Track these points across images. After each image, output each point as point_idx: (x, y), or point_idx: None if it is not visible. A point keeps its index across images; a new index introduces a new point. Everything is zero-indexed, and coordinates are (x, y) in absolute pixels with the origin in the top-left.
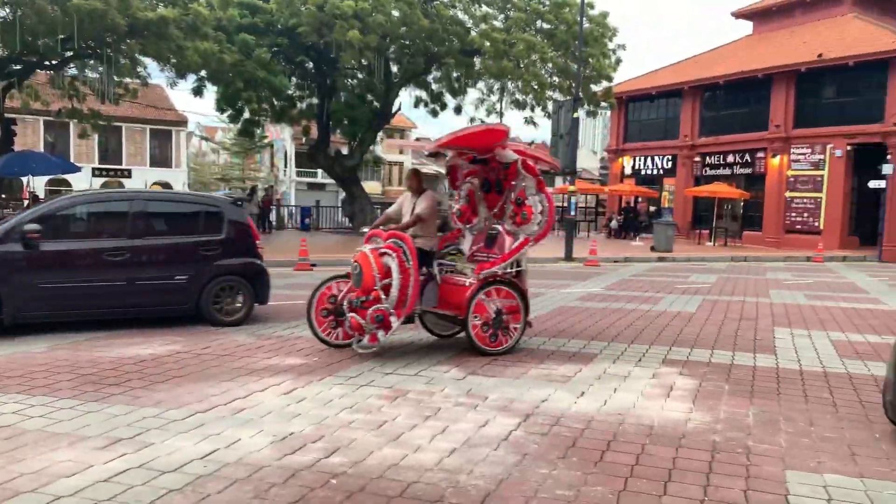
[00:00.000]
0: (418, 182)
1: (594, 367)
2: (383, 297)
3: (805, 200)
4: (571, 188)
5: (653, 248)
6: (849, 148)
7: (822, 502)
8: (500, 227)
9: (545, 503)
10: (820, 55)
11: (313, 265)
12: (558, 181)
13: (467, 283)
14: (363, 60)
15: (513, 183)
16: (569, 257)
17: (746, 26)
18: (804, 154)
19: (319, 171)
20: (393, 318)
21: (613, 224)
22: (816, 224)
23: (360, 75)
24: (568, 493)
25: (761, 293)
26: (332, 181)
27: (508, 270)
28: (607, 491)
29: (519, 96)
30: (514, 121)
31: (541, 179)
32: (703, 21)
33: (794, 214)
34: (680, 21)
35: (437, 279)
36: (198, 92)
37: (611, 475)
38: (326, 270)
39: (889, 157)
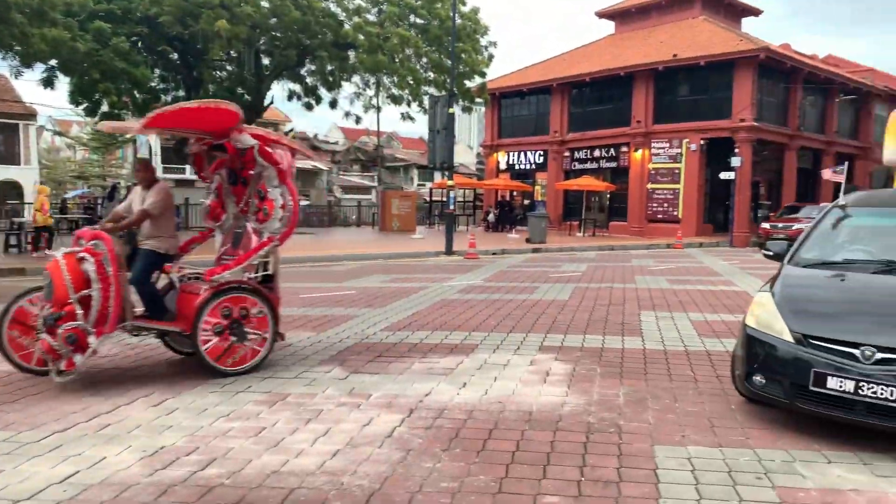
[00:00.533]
0: (149, 173)
1: (475, 357)
2: (79, 312)
3: (665, 191)
4: (450, 183)
5: (528, 240)
6: (702, 142)
7: (686, 473)
8: (247, 225)
9: (430, 497)
10: (675, 55)
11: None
12: (437, 176)
13: (202, 292)
14: (232, 52)
15: (251, 173)
16: (449, 251)
17: (609, 26)
18: (663, 148)
19: (188, 167)
20: (91, 338)
21: (491, 218)
22: (675, 213)
23: (229, 67)
24: (452, 485)
25: (627, 279)
26: None
27: (253, 275)
28: (490, 479)
29: (395, 91)
30: (391, 116)
31: (282, 169)
32: (572, 18)
33: (655, 205)
34: (551, 19)
35: (176, 288)
36: (48, 83)
37: (493, 463)
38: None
39: (736, 150)
